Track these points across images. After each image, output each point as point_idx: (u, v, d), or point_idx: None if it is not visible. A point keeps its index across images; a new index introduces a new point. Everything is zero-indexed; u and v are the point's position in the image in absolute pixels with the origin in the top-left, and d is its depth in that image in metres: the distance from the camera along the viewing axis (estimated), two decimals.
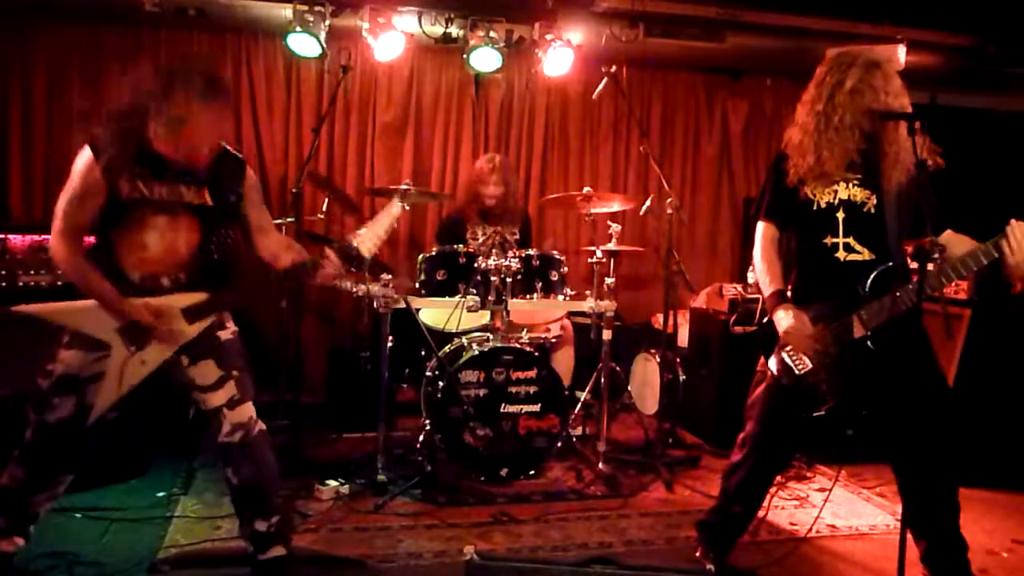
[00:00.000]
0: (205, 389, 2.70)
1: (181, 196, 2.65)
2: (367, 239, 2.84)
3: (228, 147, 2.78)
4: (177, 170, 2.62)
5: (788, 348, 2.83)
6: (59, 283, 3.74)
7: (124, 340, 2.59)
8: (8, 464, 2.64)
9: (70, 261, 2.55)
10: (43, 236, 3.80)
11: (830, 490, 3.53)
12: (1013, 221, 2.55)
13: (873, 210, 2.79)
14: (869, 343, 2.72)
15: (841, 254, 2.79)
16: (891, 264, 2.78)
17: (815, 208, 2.83)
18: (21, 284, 3.79)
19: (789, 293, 2.87)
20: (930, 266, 2.56)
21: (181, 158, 2.61)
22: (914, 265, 2.52)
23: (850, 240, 2.79)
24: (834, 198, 2.81)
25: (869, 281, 2.74)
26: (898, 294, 2.69)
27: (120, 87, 2.64)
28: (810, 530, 3.42)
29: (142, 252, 2.61)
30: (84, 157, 2.54)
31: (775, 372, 2.87)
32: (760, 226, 2.97)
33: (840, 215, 2.80)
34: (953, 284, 4.29)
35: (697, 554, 3.15)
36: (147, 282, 2.63)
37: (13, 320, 2.51)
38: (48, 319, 2.57)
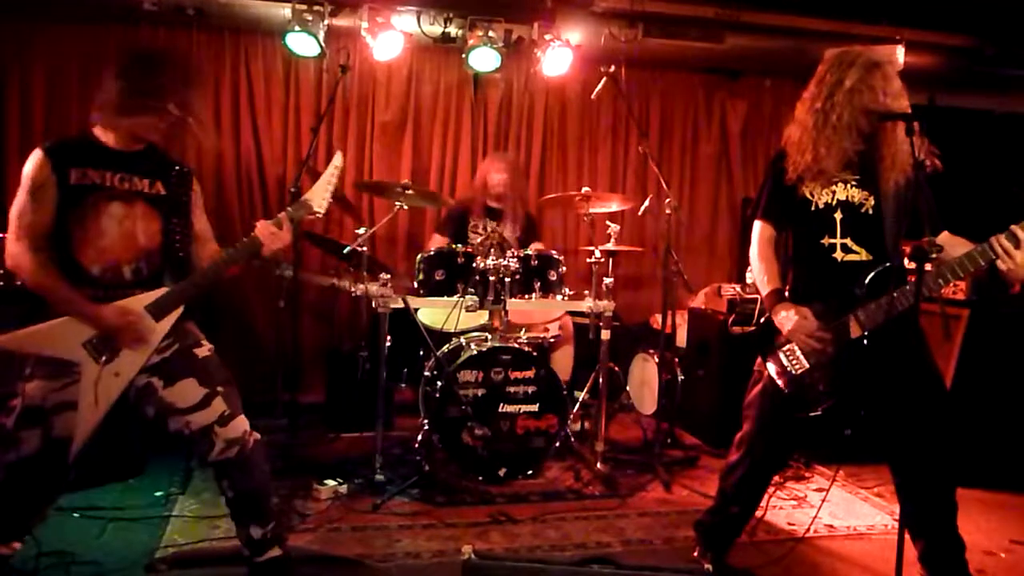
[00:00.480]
0: (188, 410, 2.62)
1: (135, 185, 2.62)
2: (317, 196, 2.87)
3: (175, 156, 2.79)
4: (129, 161, 2.61)
5: (785, 348, 2.83)
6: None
7: (92, 353, 2.51)
8: None
9: (32, 268, 2.46)
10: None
11: (828, 490, 3.54)
12: (1014, 227, 2.55)
13: (871, 211, 2.79)
14: (866, 343, 2.72)
15: (839, 254, 2.80)
16: (888, 264, 2.79)
17: (813, 208, 2.83)
18: (19, 283, 3.78)
19: (787, 293, 2.88)
20: (928, 266, 2.57)
21: (133, 146, 2.62)
22: (912, 265, 2.52)
23: (847, 241, 2.80)
24: (832, 198, 2.82)
25: (866, 281, 2.74)
26: (895, 295, 2.69)
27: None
28: (808, 530, 3.42)
29: (99, 241, 2.55)
30: (33, 157, 2.54)
31: (772, 372, 2.87)
32: (757, 225, 2.97)
33: (838, 215, 2.81)
34: (951, 284, 4.29)
35: (695, 554, 3.15)
36: (107, 274, 2.56)
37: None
38: (10, 348, 2.46)
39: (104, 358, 2.53)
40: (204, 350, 2.75)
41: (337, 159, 2.97)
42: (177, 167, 2.75)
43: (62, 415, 2.50)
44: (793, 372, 2.82)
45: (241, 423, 2.69)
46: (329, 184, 2.92)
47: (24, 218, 2.50)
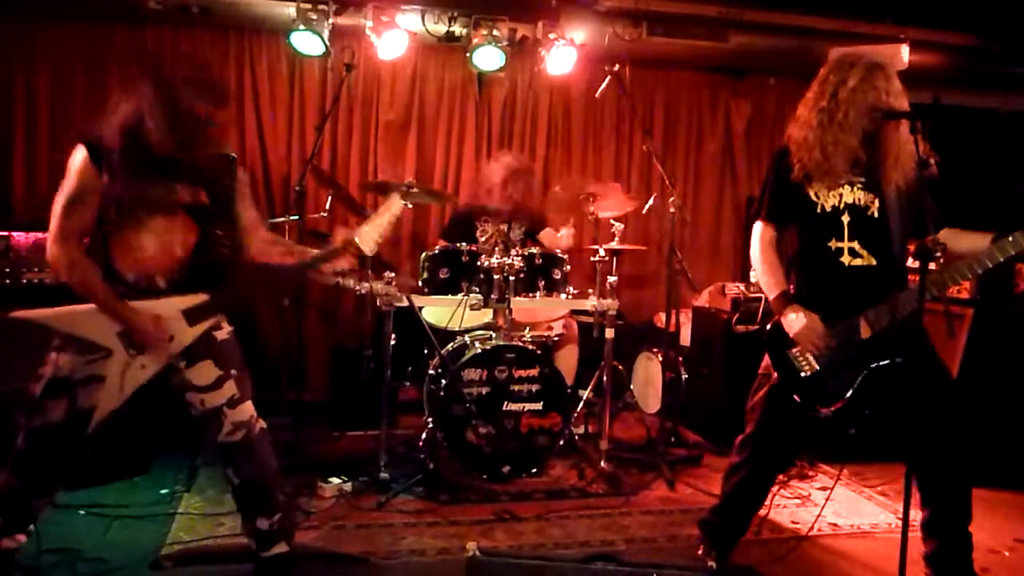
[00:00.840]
0: (203, 389, 2.68)
1: (178, 195, 2.63)
2: (367, 236, 2.86)
3: (218, 149, 2.78)
4: (173, 169, 2.60)
5: (795, 350, 2.83)
6: (63, 280, 3.74)
7: (125, 344, 2.55)
8: (1, 472, 2.60)
9: (70, 265, 2.49)
10: (47, 234, 3.80)
11: (832, 488, 3.53)
12: None
13: (876, 213, 2.80)
14: (876, 344, 2.73)
15: (846, 259, 2.80)
16: (896, 268, 2.80)
17: (820, 210, 2.82)
18: (25, 281, 3.81)
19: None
20: (932, 265, 2.57)
21: (177, 155, 2.59)
22: (916, 264, 2.52)
23: (855, 244, 2.79)
24: (839, 201, 2.81)
25: (873, 285, 2.75)
26: (903, 295, 2.70)
27: (120, 87, 2.63)
28: (812, 528, 3.41)
29: (137, 253, 2.57)
30: (79, 156, 2.50)
31: (781, 374, 2.87)
32: (758, 227, 2.96)
33: (846, 218, 2.81)
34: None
35: (699, 552, 3.16)
36: (142, 282, 2.60)
37: (10, 324, 2.48)
38: (48, 325, 2.51)
39: (134, 351, 2.57)
40: (223, 333, 2.79)
41: (396, 206, 2.93)
42: (220, 161, 2.75)
43: (88, 387, 2.54)
44: (803, 374, 2.82)
45: (248, 408, 2.74)
46: (380, 227, 2.89)
47: (67, 219, 2.50)
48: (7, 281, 3.79)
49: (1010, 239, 2.62)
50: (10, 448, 2.59)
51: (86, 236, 2.56)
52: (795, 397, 2.83)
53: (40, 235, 3.86)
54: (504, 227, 4.79)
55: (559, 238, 4.84)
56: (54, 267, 2.52)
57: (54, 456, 2.59)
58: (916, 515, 2.92)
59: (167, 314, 2.59)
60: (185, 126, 2.53)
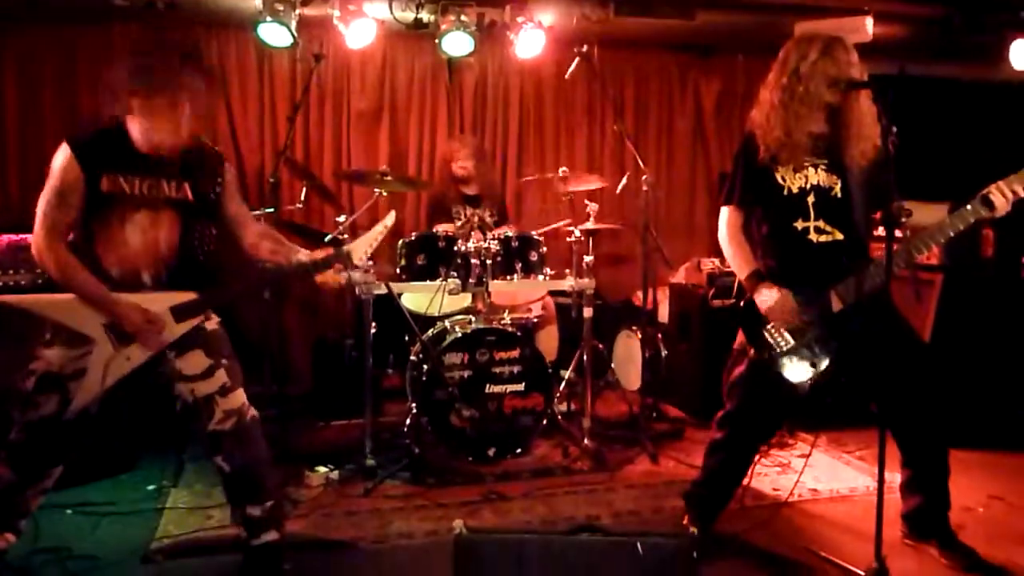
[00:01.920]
0: (193, 379, 2.71)
1: (162, 191, 2.65)
2: (360, 247, 2.92)
3: (205, 141, 2.81)
4: (157, 165, 2.62)
5: (769, 326, 2.89)
6: (39, 281, 3.70)
7: (110, 336, 2.60)
8: None
9: (56, 261, 2.53)
10: (20, 236, 3.78)
11: (808, 455, 3.60)
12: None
13: (840, 193, 2.87)
14: (847, 315, 2.80)
15: (813, 236, 2.87)
16: (862, 243, 2.87)
17: (786, 193, 2.88)
18: (0, 284, 3.78)
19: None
20: (898, 233, 2.64)
21: (161, 150, 2.62)
22: (881, 231, 2.59)
23: (820, 223, 2.86)
24: (806, 183, 2.88)
25: (843, 259, 2.81)
26: (871, 267, 2.76)
27: (98, 83, 2.66)
28: (791, 493, 3.48)
29: (122, 248, 2.61)
30: (63, 154, 2.53)
31: (757, 351, 2.92)
32: (726, 211, 3.03)
33: (811, 199, 2.87)
34: None
35: (684, 522, 3.22)
36: (127, 278, 2.62)
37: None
38: (35, 311, 2.57)
39: (121, 343, 2.60)
40: (212, 323, 2.83)
41: (389, 219, 3.00)
42: (205, 156, 2.77)
43: (78, 380, 2.58)
44: (779, 350, 2.88)
45: (239, 396, 2.78)
46: (374, 240, 2.95)
47: (51, 215, 2.54)
48: None
49: (968, 207, 2.70)
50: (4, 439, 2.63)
51: (71, 233, 2.59)
52: (771, 373, 2.89)
53: (12, 237, 3.84)
54: (479, 211, 4.83)
55: None
56: (41, 264, 2.55)
57: (48, 443, 2.63)
58: (895, 477, 3.02)
59: (155, 309, 2.62)
60: (164, 104, 2.55)
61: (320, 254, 2.89)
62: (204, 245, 2.76)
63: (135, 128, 2.60)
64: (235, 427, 2.74)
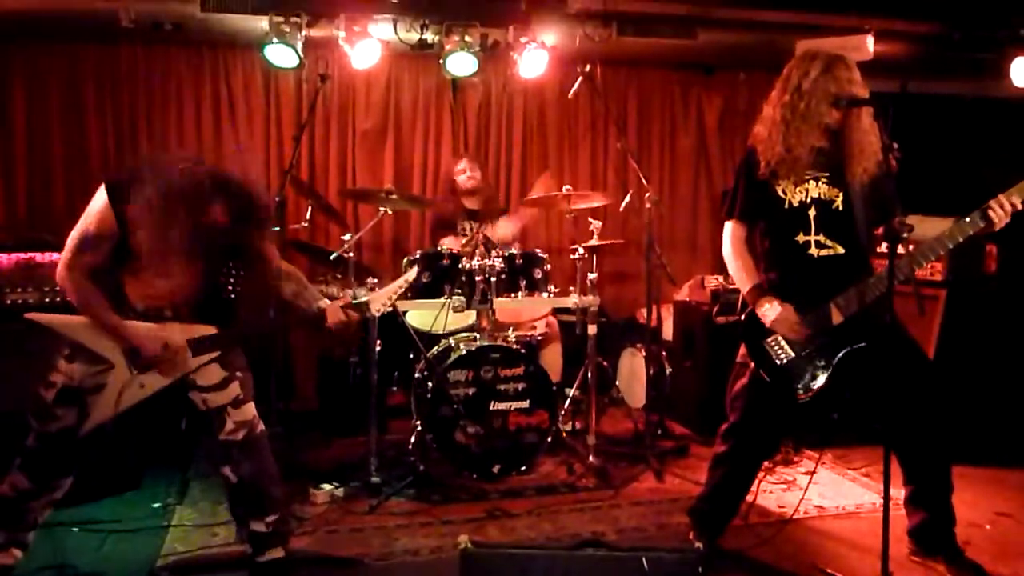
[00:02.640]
0: (208, 389, 2.76)
1: (196, 240, 2.65)
2: (377, 300, 3.02)
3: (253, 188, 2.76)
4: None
5: (771, 339, 2.90)
6: (47, 300, 3.76)
7: (128, 361, 2.64)
8: (8, 474, 2.68)
9: (76, 291, 2.57)
10: (29, 254, 3.81)
11: (813, 472, 3.60)
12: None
13: (841, 206, 2.88)
14: (848, 328, 2.80)
15: (814, 251, 2.88)
16: (862, 256, 2.88)
17: (787, 206, 2.90)
18: (9, 302, 3.80)
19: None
20: (900, 248, 2.65)
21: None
22: (884, 247, 2.60)
23: (820, 237, 2.88)
24: (806, 196, 2.89)
25: (842, 273, 2.82)
26: (871, 280, 2.78)
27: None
28: (796, 510, 3.47)
29: (149, 289, 2.68)
30: (100, 199, 2.56)
31: (758, 364, 2.93)
32: (729, 226, 3.05)
33: (812, 212, 2.89)
34: (927, 266, 4.38)
35: (690, 537, 3.22)
36: (150, 312, 2.69)
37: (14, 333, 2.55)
38: (59, 331, 2.61)
39: (137, 369, 2.65)
40: None
41: (411, 275, 3.15)
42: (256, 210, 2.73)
43: (96, 395, 2.63)
44: (779, 362, 2.89)
45: (251, 408, 2.83)
46: (395, 294, 3.06)
47: (78, 256, 2.56)
48: None
49: (967, 219, 2.72)
50: (17, 452, 2.67)
51: (98, 266, 2.60)
52: (772, 384, 2.89)
53: (22, 255, 3.86)
54: (483, 228, 4.85)
55: (502, 230, 5.05)
56: (62, 287, 2.61)
57: (62, 453, 2.68)
58: (901, 493, 3.02)
59: (174, 339, 2.67)
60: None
61: (340, 303, 2.96)
62: (228, 284, 2.81)
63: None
64: (245, 438, 2.78)
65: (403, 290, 3.07)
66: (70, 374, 2.61)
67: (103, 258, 2.58)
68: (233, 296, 2.83)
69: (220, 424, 2.76)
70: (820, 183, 2.89)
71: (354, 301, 3.00)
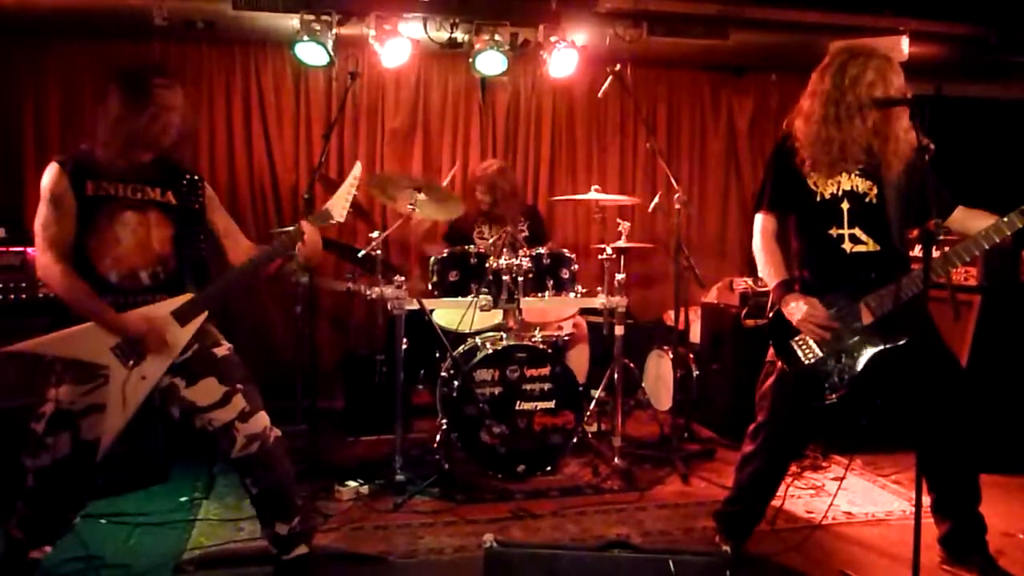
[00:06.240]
0: (210, 408, 2.70)
1: (147, 194, 2.71)
2: (336, 205, 3.00)
3: (181, 160, 2.86)
4: (138, 173, 2.70)
5: (798, 338, 2.86)
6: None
7: (120, 357, 2.60)
8: (17, 507, 2.68)
9: (58, 277, 2.55)
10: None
11: (843, 478, 3.56)
12: None
13: (875, 200, 2.82)
14: (879, 329, 2.76)
15: (847, 245, 2.83)
16: (898, 253, 2.83)
17: (819, 199, 2.85)
18: (41, 296, 3.86)
19: (796, 285, 2.91)
20: (936, 252, 2.60)
21: (139, 159, 2.70)
22: (919, 250, 2.56)
23: (856, 231, 2.82)
24: (838, 189, 2.84)
25: (876, 271, 2.78)
26: (904, 280, 2.72)
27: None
28: (825, 516, 3.43)
29: (115, 249, 2.64)
30: (50, 170, 2.63)
31: (785, 362, 2.90)
32: (759, 218, 3.01)
33: (845, 206, 2.84)
34: (962, 270, 4.31)
35: (716, 541, 3.18)
36: (125, 281, 2.65)
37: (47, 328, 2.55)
38: (40, 352, 2.57)
39: (131, 362, 2.61)
40: (223, 349, 2.83)
41: (356, 170, 3.10)
42: (187, 177, 2.83)
43: (89, 417, 2.59)
44: (806, 362, 2.85)
45: (261, 419, 2.76)
46: (348, 194, 3.03)
47: (48, 229, 2.59)
48: (23, 295, 3.84)
49: (1005, 219, 2.66)
50: (16, 474, 2.65)
51: (70, 247, 2.61)
52: (799, 384, 2.85)
53: None
54: (510, 228, 4.85)
55: None
56: (44, 281, 2.64)
57: (65, 489, 2.66)
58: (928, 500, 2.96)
59: (156, 314, 2.64)
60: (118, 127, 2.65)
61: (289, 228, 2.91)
62: (196, 249, 2.80)
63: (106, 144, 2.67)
64: (259, 451, 2.73)
65: (355, 188, 3.04)
66: (59, 397, 2.56)
67: (71, 224, 2.60)
68: (203, 262, 2.82)
69: (231, 442, 2.69)
70: (854, 175, 2.83)
71: (311, 218, 2.95)
